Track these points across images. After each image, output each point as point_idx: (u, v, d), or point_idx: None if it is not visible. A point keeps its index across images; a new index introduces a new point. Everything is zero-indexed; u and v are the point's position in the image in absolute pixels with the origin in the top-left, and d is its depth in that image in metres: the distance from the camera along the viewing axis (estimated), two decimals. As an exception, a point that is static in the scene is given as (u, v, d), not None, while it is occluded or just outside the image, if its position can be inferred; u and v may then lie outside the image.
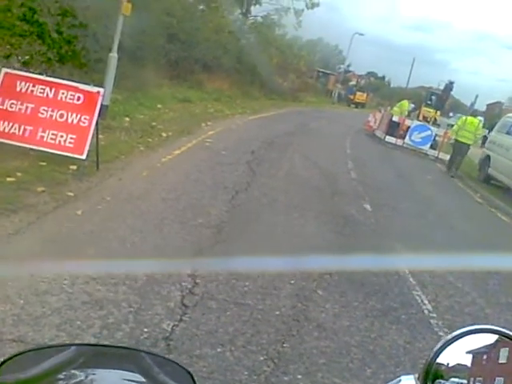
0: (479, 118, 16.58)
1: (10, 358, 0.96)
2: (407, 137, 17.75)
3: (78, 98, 6.17)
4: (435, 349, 0.88)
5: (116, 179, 6.38)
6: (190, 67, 19.89)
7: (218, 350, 3.18)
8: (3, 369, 0.93)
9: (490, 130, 19.34)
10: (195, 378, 0.99)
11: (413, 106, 21.38)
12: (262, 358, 3.21)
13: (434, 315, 4.53)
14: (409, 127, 17.89)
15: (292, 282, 4.49)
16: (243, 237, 5.48)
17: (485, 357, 0.90)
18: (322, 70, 50.14)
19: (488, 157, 14.64)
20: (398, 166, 13.97)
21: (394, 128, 18.46)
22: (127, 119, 10.43)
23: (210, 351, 3.14)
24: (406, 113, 20.26)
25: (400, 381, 0.90)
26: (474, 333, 0.89)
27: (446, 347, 0.88)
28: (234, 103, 19.87)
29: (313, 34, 51.24)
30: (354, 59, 67.78)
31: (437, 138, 17.92)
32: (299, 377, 3.12)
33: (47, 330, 2.94)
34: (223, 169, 8.30)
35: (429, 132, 17.67)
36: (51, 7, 11.60)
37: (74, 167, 6.19)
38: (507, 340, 0.90)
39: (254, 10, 31.03)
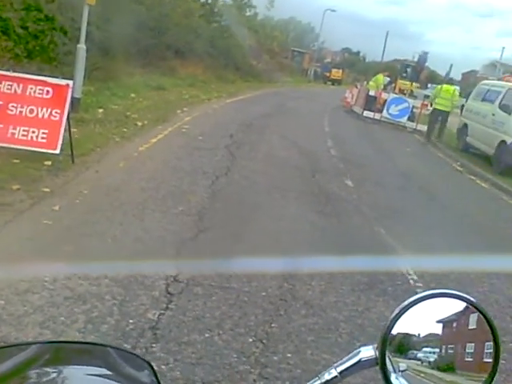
0: (455, 86, 17.18)
1: None
2: (385, 110, 17.77)
3: (47, 92, 6.03)
4: (391, 317, 0.87)
5: (92, 172, 6.28)
6: (162, 54, 19.60)
7: (206, 335, 3.16)
8: None
9: (467, 98, 19.50)
10: (155, 368, 1.00)
11: (388, 79, 21.40)
12: (250, 340, 3.20)
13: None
14: (386, 101, 17.92)
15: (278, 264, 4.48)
16: (225, 223, 5.44)
17: (455, 324, 0.91)
18: (296, 49, 49.87)
19: (465, 125, 14.75)
20: (377, 141, 14.00)
21: (371, 102, 18.46)
22: (101, 110, 10.25)
23: (198, 337, 3.12)
24: (382, 86, 20.31)
25: (359, 352, 0.90)
26: (429, 298, 0.89)
27: (401, 314, 0.87)
28: (209, 88, 19.67)
29: (284, 13, 50.98)
30: (327, 36, 67.53)
31: (414, 110, 17.98)
32: (289, 355, 3.12)
33: (30, 329, 2.89)
34: (202, 154, 8.23)
35: (406, 104, 17.72)
36: (14, 2, 11.32)
37: (49, 163, 6.06)
38: (466, 304, 0.90)
39: (224, -8, 30.62)
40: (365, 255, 5.11)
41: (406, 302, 0.88)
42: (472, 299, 0.89)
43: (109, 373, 0.95)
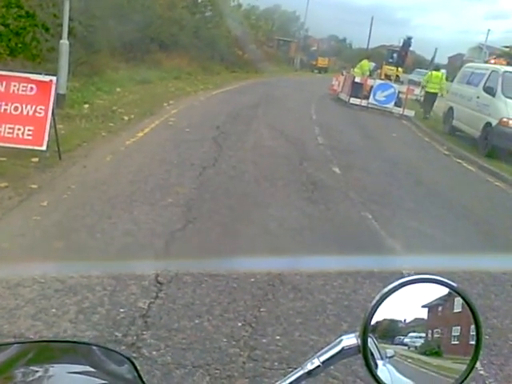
0: (442, 70, 18.06)
1: None
2: (371, 96, 17.85)
3: (31, 89, 6.03)
4: (372, 304, 0.88)
5: (80, 167, 6.30)
6: (146, 47, 19.54)
7: (196, 321, 3.23)
8: None
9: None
10: (136, 364, 1.02)
11: (374, 65, 21.47)
12: (239, 324, 3.28)
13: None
14: (372, 87, 17.99)
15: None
16: (214, 213, 5.50)
17: (440, 308, 0.92)
18: (281, 38, 49.72)
19: (451, 108, 14.87)
20: (364, 127, 14.09)
21: (357, 89, 18.52)
22: (86, 106, 10.25)
23: (188, 323, 3.19)
24: (368, 73, 20.42)
25: (341, 340, 0.90)
26: (409, 284, 0.89)
27: (382, 301, 0.88)
28: (195, 80, 19.65)
29: (269, 2, 50.73)
30: (313, 24, 67.43)
31: (400, 95, 18.08)
32: (277, 337, 3.20)
33: (22, 321, 2.95)
34: (189, 146, 8.27)
35: (392, 90, 17.81)
36: (-6, -1, 11.24)
37: (36, 159, 6.09)
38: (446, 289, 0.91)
39: (207, -18, 30.42)
40: (352, 241, 5.21)
41: (386, 289, 0.87)
42: (453, 284, 0.89)
43: (92, 370, 0.96)
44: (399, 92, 17.97)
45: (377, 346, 0.88)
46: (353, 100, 18.21)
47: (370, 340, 0.88)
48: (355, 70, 21.34)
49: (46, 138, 6.00)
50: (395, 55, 33.20)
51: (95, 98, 11.36)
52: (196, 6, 28.50)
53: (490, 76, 13.15)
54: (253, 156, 8.37)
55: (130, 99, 12.10)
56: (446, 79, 19.33)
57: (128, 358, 1.03)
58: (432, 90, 18.34)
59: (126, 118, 9.84)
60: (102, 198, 5.30)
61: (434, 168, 10.29)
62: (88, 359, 1.00)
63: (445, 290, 0.90)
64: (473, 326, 0.89)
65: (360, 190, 7.26)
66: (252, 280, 3.92)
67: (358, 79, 18.44)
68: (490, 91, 12.64)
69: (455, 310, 0.92)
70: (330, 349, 0.90)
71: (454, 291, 0.90)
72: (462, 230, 6.35)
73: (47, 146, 6.11)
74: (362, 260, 4.64)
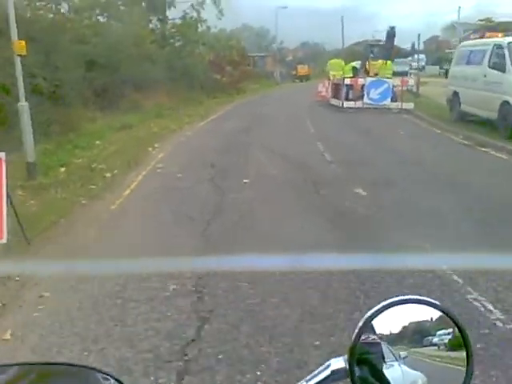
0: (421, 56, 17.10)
1: None
2: (365, 96, 16.78)
3: (-24, 173, 4.83)
4: (357, 327, 0.86)
5: (53, 250, 5.06)
6: (120, 91, 18.41)
7: None
8: None
9: (439, 65, 18.67)
10: None
11: (359, 62, 20.32)
12: None
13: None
14: (363, 86, 16.89)
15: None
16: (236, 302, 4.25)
17: (424, 328, 0.89)
18: (255, 54, 48.97)
19: (456, 93, 13.73)
20: (367, 131, 12.92)
21: (348, 91, 17.47)
22: (63, 169, 9.04)
23: None
24: (350, 72, 19.23)
25: (329, 365, 0.89)
26: (393, 306, 0.87)
27: (368, 323, 0.86)
28: (177, 114, 18.51)
29: (236, 23, 50.19)
30: (284, 35, 67.17)
31: (395, 90, 17.00)
32: None
33: None
34: (184, 195, 7.05)
35: (386, 85, 16.71)
36: None
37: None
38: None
39: (171, 13, 29.52)
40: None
41: (371, 312, 0.87)
42: (441, 305, 0.88)
43: None
44: (393, 86, 16.88)
45: (390, 350, 0.86)
46: (347, 103, 17.12)
47: (382, 344, 0.87)
48: (330, 72, 20.23)
49: (5, 228, 4.77)
50: (376, 49, 32.43)
51: (72, 157, 10.16)
52: (164, 39, 27.59)
53: (493, 51, 12.03)
54: (260, 193, 7.15)
55: (112, 150, 10.90)
56: (426, 63, 18.67)
57: (120, 382, 1.00)
58: None
59: (108, 174, 8.63)
60: (83, 305, 4.04)
61: (465, 166, 8.94)
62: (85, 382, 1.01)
63: (434, 312, 0.88)
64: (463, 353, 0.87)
65: (404, 215, 6.00)
66: None
67: (347, 81, 17.34)
68: (498, 67, 11.52)
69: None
70: (319, 373, 0.89)
71: (444, 313, 0.88)
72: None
73: (10, 234, 4.88)
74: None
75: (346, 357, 0.87)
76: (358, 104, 16.75)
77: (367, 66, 18.41)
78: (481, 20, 50.25)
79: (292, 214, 6.15)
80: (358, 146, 10.81)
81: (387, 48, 18.33)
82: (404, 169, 8.52)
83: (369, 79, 17.09)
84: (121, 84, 18.87)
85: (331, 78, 19.23)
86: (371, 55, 32.19)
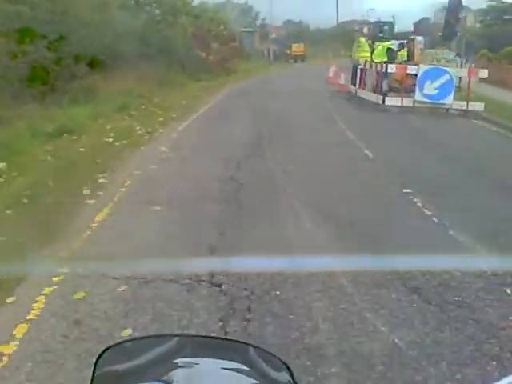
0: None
1: (114, 346, 0.96)
2: (417, 91, 11.83)
3: None
4: None
5: None
6: (70, 71, 13.15)
7: None
8: (107, 356, 0.94)
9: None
10: (293, 372, 0.96)
11: (397, 43, 15.17)
12: None
13: None
14: (415, 76, 11.96)
15: None
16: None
17: None
18: (245, 29, 43.47)
19: None
20: (433, 145, 8.17)
21: (391, 83, 12.56)
22: None
23: None
24: (385, 56, 14.15)
25: None
26: None
27: None
28: (149, 105, 13.36)
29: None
30: (266, 12, 62.69)
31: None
32: None
33: None
34: None
35: (447, 77, 11.77)
36: None
37: None
38: None
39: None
40: None
41: None
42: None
43: (246, 369, 0.96)
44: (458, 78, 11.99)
45: None
46: (389, 100, 12.16)
47: None
48: (358, 54, 15.05)
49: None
50: (386, 27, 27.62)
51: None
52: (138, 4, 22.12)
53: None
54: None
55: (15, 192, 5.80)
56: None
57: (285, 364, 0.98)
58: None
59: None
60: None
61: None
62: (243, 358, 0.99)
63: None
64: None
65: None
66: None
67: (391, 68, 12.35)
68: None
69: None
70: None
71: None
72: None
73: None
74: None
75: None
76: (407, 102, 11.84)
77: (411, 48, 13.33)
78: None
79: None
80: (439, 175, 5.97)
81: (450, 25, 13.27)
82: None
83: (422, 67, 12.06)
84: (71, 61, 13.56)
85: (359, 60, 14.20)
86: (380, 35, 27.26)
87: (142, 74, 16.39)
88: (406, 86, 12.26)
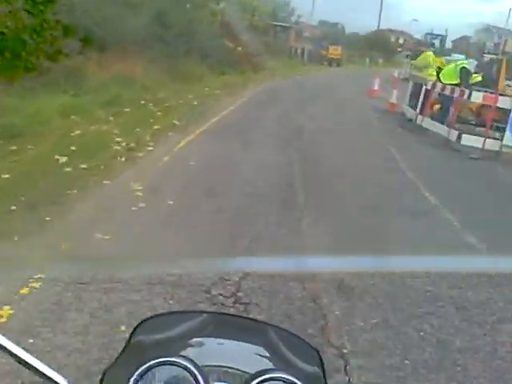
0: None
1: (147, 320, 1.02)
2: (508, 132, 8.68)
3: None
4: None
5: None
6: (54, 45, 10.13)
7: None
8: (141, 329, 1.00)
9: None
10: (322, 358, 0.94)
11: (473, 62, 11.95)
12: None
13: None
14: (500, 110, 8.83)
15: None
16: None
17: None
18: (279, 23, 40.16)
19: None
20: None
21: (463, 112, 9.45)
22: None
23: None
24: (457, 79, 10.86)
25: None
26: None
27: None
28: (150, 102, 10.35)
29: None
30: (302, 10, 59.46)
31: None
32: None
33: None
34: None
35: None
36: None
37: None
38: None
39: None
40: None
41: None
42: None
43: (267, 354, 0.94)
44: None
45: None
46: (467, 139, 9.02)
47: None
48: (424, 72, 11.88)
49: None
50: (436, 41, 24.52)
51: None
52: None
53: None
54: None
55: None
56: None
57: (315, 350, 0.98)
58: None
59: None
60: None
61: None
62: (267, 341, 0.98)
63: None
64: None
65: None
66: None
67: (475, 97, 9.15)
68: None
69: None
70: None
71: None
72: None
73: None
74: None
75: None
76: (491, 144, 8.69)
77: (498, 71, 10.09)
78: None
79: None
80: None
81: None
82: None
83: (519, 97, 8.86)
84: (59, 34, 10.56)
85: (426, 79, 11.04)
86: (431, 49, 23.85)
87: (151, 60, 13.38)
88: (487, 120, 9.12)
